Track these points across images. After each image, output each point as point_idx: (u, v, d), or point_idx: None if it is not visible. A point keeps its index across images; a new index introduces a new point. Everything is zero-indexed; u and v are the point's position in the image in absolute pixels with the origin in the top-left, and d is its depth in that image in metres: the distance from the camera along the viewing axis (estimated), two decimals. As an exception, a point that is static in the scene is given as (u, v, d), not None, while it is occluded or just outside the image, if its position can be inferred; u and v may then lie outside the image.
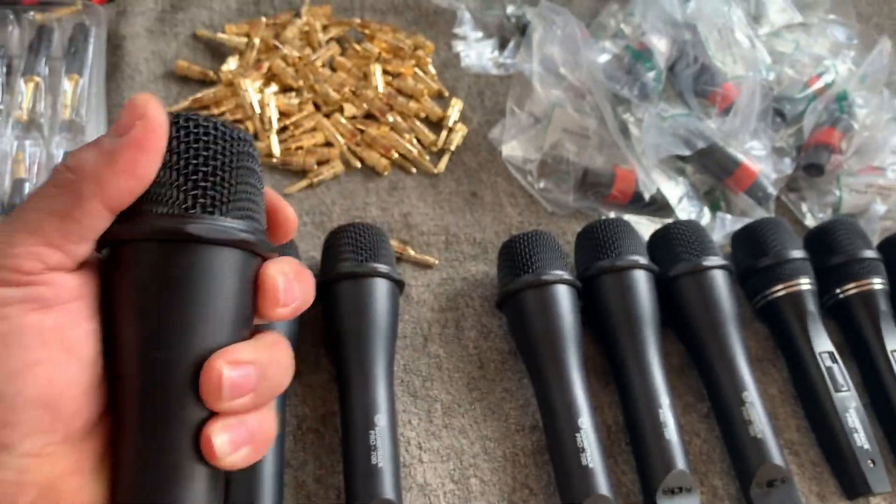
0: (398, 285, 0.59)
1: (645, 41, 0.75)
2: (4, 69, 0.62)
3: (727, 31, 0.71)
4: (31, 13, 0.66)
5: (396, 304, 0.59)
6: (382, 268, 0.57)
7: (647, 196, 0.69)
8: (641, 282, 0.62)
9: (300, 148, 0.69)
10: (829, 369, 0.62)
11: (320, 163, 0.69)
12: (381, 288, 0.57)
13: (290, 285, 0.32)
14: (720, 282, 0.63)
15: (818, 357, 0.63)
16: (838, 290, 0.67)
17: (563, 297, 0.60)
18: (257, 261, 0.32)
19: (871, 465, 0.59)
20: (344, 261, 0.58)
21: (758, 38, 0.77)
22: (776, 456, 0.57)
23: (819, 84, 0.79)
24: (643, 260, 0.62)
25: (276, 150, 0.68)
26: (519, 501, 0.55)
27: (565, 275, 0.60)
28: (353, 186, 0.69)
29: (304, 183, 0.68)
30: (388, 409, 0.54)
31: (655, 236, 0.66)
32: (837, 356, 0.63)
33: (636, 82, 0.72)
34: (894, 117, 0.79)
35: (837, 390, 0.61)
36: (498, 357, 0.62)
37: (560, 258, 0.62)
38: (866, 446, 0.59)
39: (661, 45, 0.75)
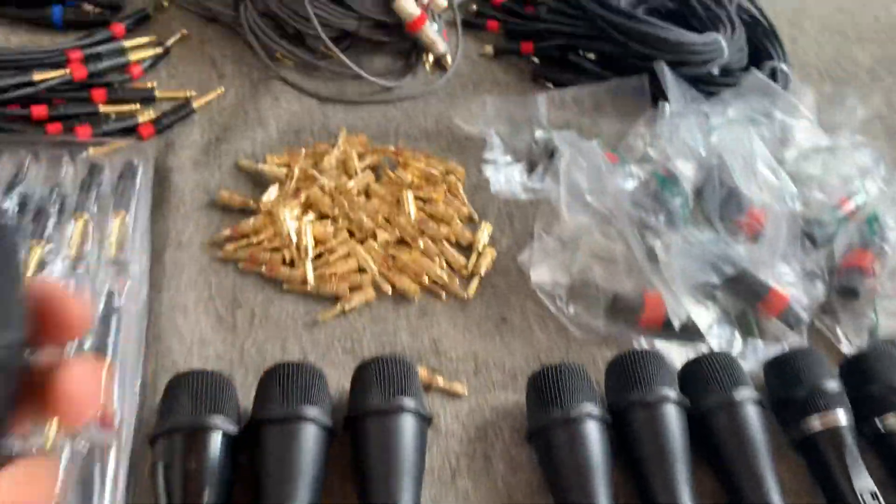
0: (426, 420, 0.59)
1: (671, 167, 0.77)
2: (58, 207, 0.66)
3: (750, 161, 0.72)
4: (85, 153, 0.71)
5: (424, 440, 0.59)
6: (410, 403, 0.58)
7: (677, 323, 0.69)
8: (672, 416, 0.61)
9: (334, 274, 0.71)
10: (870, 509, 0.60)
11: (352, 289, 0.71)
12: (408, 424, 0.58)
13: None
14: (752, 415, 0.62)
15: (860, 496, 0.61)
16: (878, 422, 0.65)
17: (593, 433, 0.59)
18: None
19: None
20: (371, 396, 0.58)
21: (783, 164, 0.78)
22: None
23: (849, 206, 0.79)
24: (674, 394, 0.62)
25: (311, 277, 0.70)
26: None
27: (595, 410, 0.60)
28: (384, 312, 0.71)
29: (336, 310, 0.69)
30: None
31: (686, 368, 0.66)
32: (880, 496, 0.61)
33: (662, 209, 0.73)
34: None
35: (882, 533, 0.59)
36: (527, 490, 0.61)
37: (590, 390, 0.62)
38: None
39: (687, 170, 0.77)
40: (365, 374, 0.60)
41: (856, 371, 0.68)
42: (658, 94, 0.87)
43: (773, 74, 0.94)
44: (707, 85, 0.90)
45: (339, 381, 0.65)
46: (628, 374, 0.63)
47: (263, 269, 0.71)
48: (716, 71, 0.90)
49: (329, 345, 0.68)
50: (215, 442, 0.55)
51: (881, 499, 0.61)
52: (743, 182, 0.72)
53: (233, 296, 0.70)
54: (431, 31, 0.90)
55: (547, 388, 0.61)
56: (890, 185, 0.81)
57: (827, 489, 0.63)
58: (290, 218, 0.73)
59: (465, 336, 0.71)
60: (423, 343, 0.69)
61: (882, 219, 0.78)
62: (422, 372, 0.66)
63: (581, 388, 0.61)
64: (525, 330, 0.72)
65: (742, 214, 0.72)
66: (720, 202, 0.74)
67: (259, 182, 0.78)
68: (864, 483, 0.61)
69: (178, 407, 0.56)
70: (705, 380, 0.63)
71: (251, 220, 0.73)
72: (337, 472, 0.59)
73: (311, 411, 0.57)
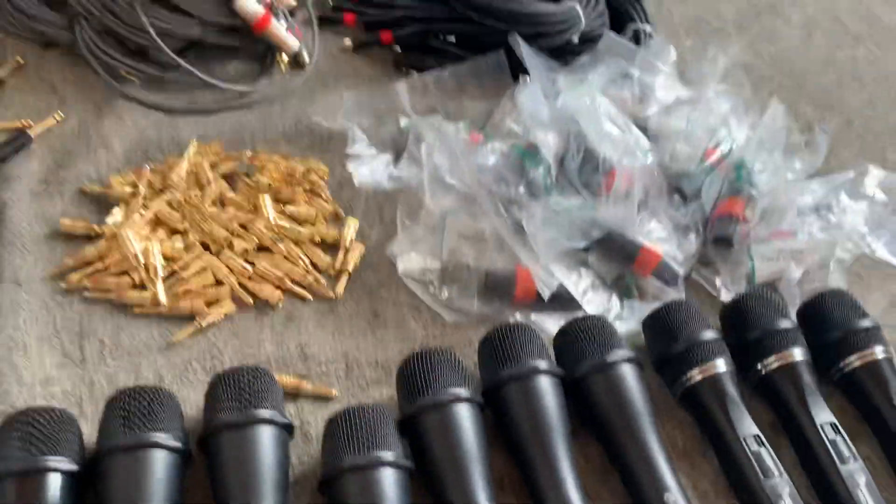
0: (286, 429, 0.56)
1: (531, 138, 0.75)
2: None
3: (598, 121, 0.71)
4: None
5: (285, 450, 0.55)
6: (265, 413, 0.54)
7: (546, 294, 0.67)
8: (545, 387, 0.59)
9: (188, 291, 0.67)
10: (756, 454, 0.59)
11: (210, 304, 0.67)
12: (265, 435, 0.54)
13: None
14: (629, 376, 0.60)
15: (744, 442, 0.59)
16: (759, 367, 0.64)
17: (464, 417, 0.56)
18: None
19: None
20: (222, 410, 0.55)
21: (646, 122, 0.77)
22: (707, 561, 0.53)
23: (716, 156, 0.78)
24: (545, 364, 0.59)
25: (163, 297, 0.66)
26: None
27: (463, 392, 0.57)
28: (246, 324, 0.67)
29: (190, 329, 0.65)
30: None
31: (559, 337, 0.64)
32: (763, 439, 0.59)
33: (523, 181, 0.71)
34: (796, 178, 0.78)
35: (767, 477, 0.57)
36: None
37: (458, 373, 0.59)
38: (805, 536, 0.55)
39: (547, 140, 0.75)
40: (215, 389, 0.56)
41: (735, 319, 0.67)
42: (518, 69, 0.86)
43: (637, 36, 0.94)
44: (570, 54, 0.89)
45: (199, 403, 0.61)
46: (497, 350, 0.60)
47: (112, 295, 0.67)
48: (576, 39, 0.89)
49: (187, 366, 0.64)
50: (52, 483, 0.51)
51: (765, 441, 0.59)
52: (597, 144, 0.71)
53: (80, 328, 0.65)
54: (280, 30, 0.87)
55: (413, 376, 0.58)
56: (756, 131, 0.80)
57: (714, 439, 0.61)
58: (135, 238, 0.68)
59: (335, 337, 0.67)
60: (289, 350, 0.66)
61: (749, 165, 0.77)
62: (285, 379, 0.62)
63: (449, 372, 0.58)
64: (399, 322, 0.69)
65: (601, 176, 0.71)
66: (579, 167, 0.72)
67: (106, 206, 0.74)
68: (746, 428, 0.60)
69: (7, 450, 0.51)
70: (578, 346, 0.61)
71: (95, 246, 0.69)
72: (198, 493, 0.55)
73: (157, 436, 0.52)
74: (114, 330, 0.65)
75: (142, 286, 0.67)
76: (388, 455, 0.53)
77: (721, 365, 0.62)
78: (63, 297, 0.67)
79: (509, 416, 0.58)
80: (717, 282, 0.73)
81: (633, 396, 0.59)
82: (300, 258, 0.71)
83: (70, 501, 0.51)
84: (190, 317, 0.66)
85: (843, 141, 0.89)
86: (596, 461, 0.61)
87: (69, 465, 0.51)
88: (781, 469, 0.58)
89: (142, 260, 0.67)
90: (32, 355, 0.63)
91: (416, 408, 0.57)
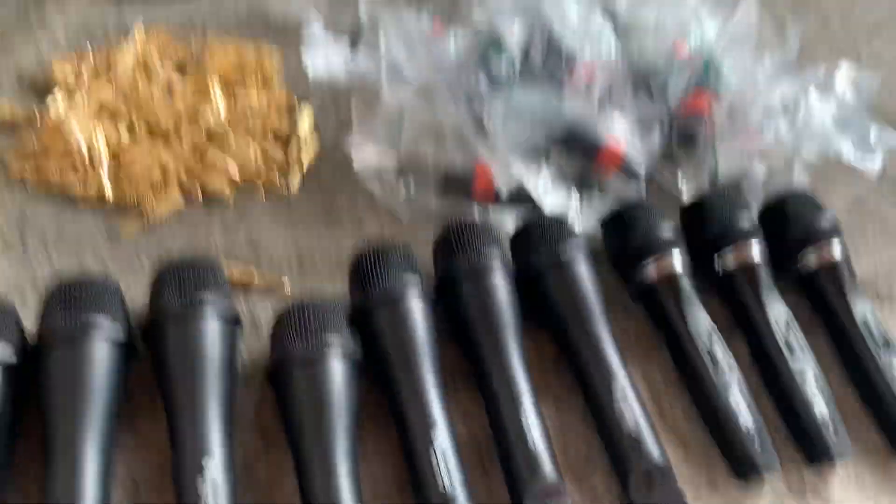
0: (232, 322, 0.55)
1: (495, 28, 0.72)
2: None
3: (564, 12, 0.67)
4: None
5: (231, 340, 0.54)
6: (210, 301, 0.53)
7: (504, 191, 0.65)
8: (497, 283, 0.58)
9: (134, 183, 0.65)
10: (708, 350, 0.59)
11: (157, 196, 0.65)
12: (209, 324, 0.53)
13: None
14: (583, 272, 0.59)
15: (697, 338, 0.59)
16: (717, 264, 0.64)
17: (414, 310, 0.56)
18: None
19: (758, 448, 0.56)
20: (164, 299, 0.53)
21: (616, 17, 0.74)
22: (653, 451, 0.53)
23: (685, 51, 0.76)
24: (497, 260, 0.58)
25: (108, 188, 0.64)
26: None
27: (414, 286, 0.56)
28: (195, 219, 0.65)
29: (136, 222, 0.63)
30: (222, 454, 0.49)
31: (515, 234, 0.63)
32: (717, 335, 0.59)
33: (486, 73, 0.69)
34: (764, 76, 0.76)
35: (718, 372, 0.58)
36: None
37: (409, 267, 0.58)
38: (750, 426, 0.56)
39: (513, 31, 0.72)
40: (158, 278, 0.55)
41: (694, 216, 0.66)
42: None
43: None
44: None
45: (145, 297, 0.60)
46: (450, 245, 0.59)
47: (55, 187, 0.64)
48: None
49: (133, 260, 0.62)
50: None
51: (719, 335, 0.59)
52: (561, 34, 0.68)
53: (21, 219, 0.63)
54: None
55: (364, 269, 0.57)
56: (726, 26, 0.77)
57: (667, 335, 0.61)
58: (79, 127, 0.65)
59: (289, 233, 0.66)
60: (240, 246, 0.64)
61: (718, 61, 0.75)
62: (235, 271, 0.61)
63: (401, 266, 0.57)
64: (354, 220, 0.68)
65: (566, 69, 0.68)
66: (543, 59, 0.69)
67: (47, 93, 0.70)
68: (700, 324, 0.60)
69: None
70: (533, 242, 0.61)
71: (36, 134, 0.66)
72: (144, 384, 0.54)
73: (98, 320, 0.51)
74: (58, 222, 0.63)
75: (86, 177, 0.65)
76: (336, 345, 0.53)
77: (676, 261, 0.62)
78: (4, 189, 0.64)
79: (460, 311, 0.58)
80: (680, 181, 0.72)
81: (586, 292, 0.59)
82: (252, 151, 0.68)
83: (9, 391, 0.50)
84: (136, 209, 0.64)
85: (817, 39, 0.86)
86: (548, 355, 0.61)
87: (7, 354, 0.50)
88: (733, 364, 0.58)
89: (85, 150, 0.65)
90: (-29, 248, 0.61)
91: (367, 301, 0.56)
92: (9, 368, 0.50)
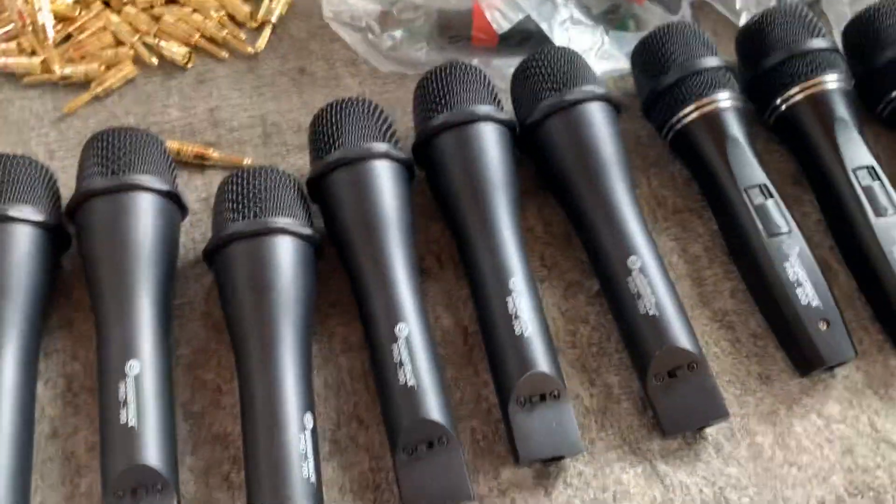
0: (169, 197, 0.46)
1: None
2: None
3: None
4: None
5: (167, 221, 0.46)
6: (143, 179, 0.45)
7: (500, 29, 0.53)
8: (486, 135, 0.47)
9: (85, 54, 0.57)
10: (759, 208, 0.45)
11: (109, 68, 0.57)
12: (139, 204, 0.45)
13: None
14: (595, 116, 0.47)
15: (744, 193, 0.46)
16: (780, 100, 0.49)
17: (380, 174, 0.46)
18: None
19: (824, 329, 0.43)
20: (89, 177, 0.45)
21: None
22: (679, 337, 0.42)
23: None
24: (486, 109, 0.47)
25: (55, 62, 0.56)
26: (345, 438, 0.43)
27: (380, 146, 0.46)
28: (150, 89, 0.57)
29: (85, 97, 0.56)
30: (152, 353, 0.42)
31: (514, 77, 0.50)
32: (772, 190, 0.46)
33: None
34: None
35: (772, 234, 0.45)
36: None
37: (376, 125, 0.47)
38: (815, 304, 0.43)
39: None
40: (84, 154, 0.47)
41: (754, 43, 0.51)
42: None
43: None
44: None
45: (94, 177, 0.53)
46: (430, 95, 0.48)
47: (-3, 64, 0.57)
48: None
49: (82, 140, 0.54)
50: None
51: (773, 192, 0.46)
52: None
53: (-38, 102, 0.57)
54: None
55: (322, 130, 0.47)
56: None
57: (708, 191, 0.49)
58: (20, -5, 0.58)
59: (253, 99, 0.56)
60: (198, 116, 0.55)
61: None
62: (188, 147, 0.53)
63: (365, 124, 0.47)
64: (330, 79, 0.57)
65: None
66: None
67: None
68: (749, 177, 0.46)
69: None
70: (535, 84, 0.48)
71: (-25, 8, 0.59)
72: (77, 277, 0.48)
73: (21, 210, 0.44)
74: (2, 102, 0.56)
75: (31, 51, 0.57)
76: (282, 217, 0.44)
77: (724, 98, 0.48)
78: (-56, 69, 0.58)
79: (442, 172, 0.47)
80: (738, 2, 0.56)
81: (598, 140, 0.46)
82: (213, 10, 0.59)
83: None
84: (87, 84, 0.57)
85: None
86: (556, 227, 0.49)
87: None
88: (792, 224, 0.45)
89: (29, 20, 0.57)
90: None
91: (325, 165, 0.46)
92: None
